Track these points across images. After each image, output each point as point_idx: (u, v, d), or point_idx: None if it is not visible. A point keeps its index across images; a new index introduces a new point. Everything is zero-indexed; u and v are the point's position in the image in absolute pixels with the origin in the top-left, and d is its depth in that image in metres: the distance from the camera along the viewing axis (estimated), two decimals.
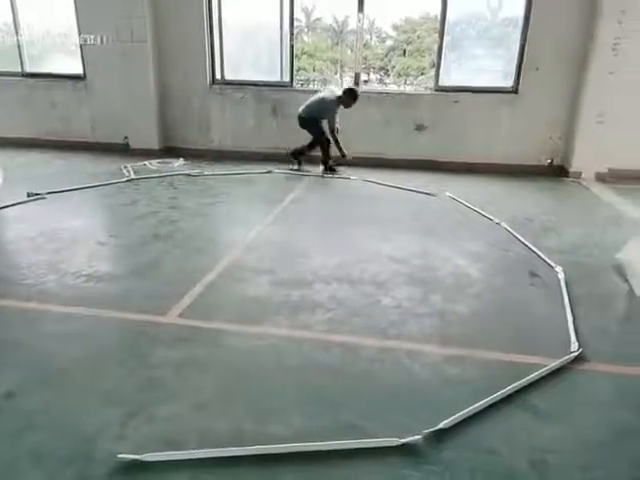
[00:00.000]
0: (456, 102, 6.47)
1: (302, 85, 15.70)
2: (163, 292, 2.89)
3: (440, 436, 1.78)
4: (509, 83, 6.44)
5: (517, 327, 2.63)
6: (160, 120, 7.03)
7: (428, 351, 2.35)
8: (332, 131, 6.04)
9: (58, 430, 1.78)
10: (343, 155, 6.15)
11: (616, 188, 5.79)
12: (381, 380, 2.13)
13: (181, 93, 6.97)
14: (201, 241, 3.83)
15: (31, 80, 7.29)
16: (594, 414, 1.97)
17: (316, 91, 6.60)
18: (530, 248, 3.72)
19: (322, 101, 6.03)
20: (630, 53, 5.74)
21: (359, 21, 6.59)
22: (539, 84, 6.25)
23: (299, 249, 3.65)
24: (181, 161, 6.59)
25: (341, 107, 6.06)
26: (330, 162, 6.32)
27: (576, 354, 2.30)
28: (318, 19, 30.84)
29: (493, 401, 1.96)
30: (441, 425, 1.80)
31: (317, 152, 6.33)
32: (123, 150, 7.03)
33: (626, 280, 3.19)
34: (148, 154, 6.79)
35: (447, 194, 5.28)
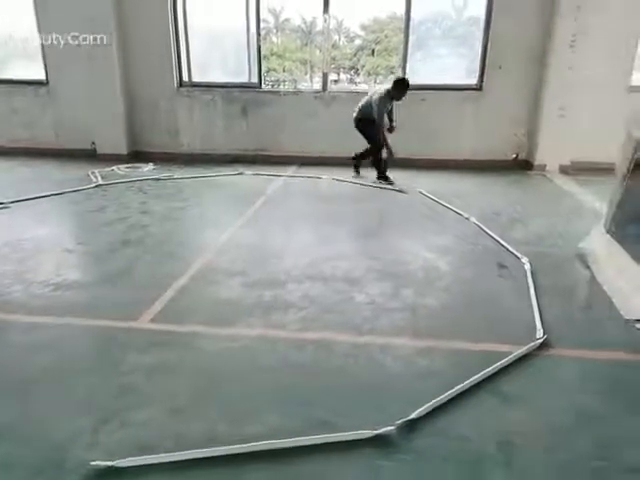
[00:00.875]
0: (423, 100, 6.58)
1: (272, 86, 15.66)
2: (134, 298, 2.86)
3: (412, 426, 1.82)
4: (473, 81, 6.59)
5: (485, 317, 2.71)
6: (128, 124, 6.93)
7: (400, 344, 2.40)
8: (380, 122, 5.56)
9: (27, 440, 1.75)
10: (390, 153, 5.73)
11: (578, 180, 5.98)
12: (354, 376, 2.16)
13: (148, 96, 6.89)
14: (172, 245, 3.79)
15: None
16: (559, 398, 2.04)
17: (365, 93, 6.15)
18: (497, 241, 3.82)
19: (371, 99, 5.63)
20: (586, 48, 5.94)
21: (325, 21, 6.63)
22: (502, 81, 6.41)
23: (271, 250, 3.66)
24: (150, 165, 6.52)
25: (394, 101, 5.67)
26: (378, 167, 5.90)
27: (541, 341, 2.38)
28: (287, 20, 30.76)
29: (463, 389, 2.01)
30: (413, 415, 1.84)
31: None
32: (90, 156, 6.91)
33: (588, 268, 3.31)
34: (116, 159, 6.69)
35: (418, 190, 5.36)
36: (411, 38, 6.58)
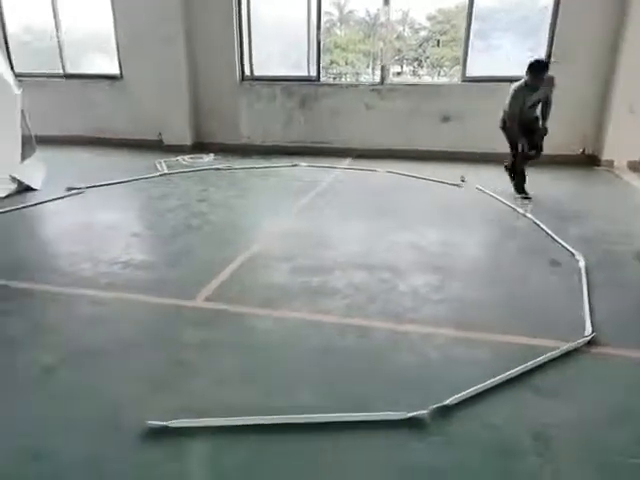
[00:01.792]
0: (485, 92, 6.41)
1: (334, 79, 15.68)
2: (192, 278, 3.06)
3: (447, 412, 1.87)
4: None
5: (533, 312, 2.67)
6: (192, 117, 7.26)
7: (441, 334, 2.42)
8: (512, 122, 4.61)
9: (91, 401, 1.96)
10: (526, 157, 4.76)
11: None
12: (393, 362, 2.22)
13: (212, 90, 7.17)
14: (229, 232, 3.99)
15: (71, 80, 7.64)
16: (601, 395, 2.00)
17: None
18: (552, 237, 3.71)
19: (510, 93, 4.60)
20: None
21: (385, 14, 6.61)
22: (570, 74, 6.11)
23: (321, 239, 3.76)
24: (211, 156, 6.81)
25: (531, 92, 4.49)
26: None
27: (589, 338, 2.33)
28: (351, 12, 30.66)
29: (501, 381, 2.02)
30: (447, 402, 1.88)
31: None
32: (157, 146, 7.30)
33: None
34: (181, 150, 7.04)
35: (475, 186, 5.27)
36: (474, 28, 6.41)
